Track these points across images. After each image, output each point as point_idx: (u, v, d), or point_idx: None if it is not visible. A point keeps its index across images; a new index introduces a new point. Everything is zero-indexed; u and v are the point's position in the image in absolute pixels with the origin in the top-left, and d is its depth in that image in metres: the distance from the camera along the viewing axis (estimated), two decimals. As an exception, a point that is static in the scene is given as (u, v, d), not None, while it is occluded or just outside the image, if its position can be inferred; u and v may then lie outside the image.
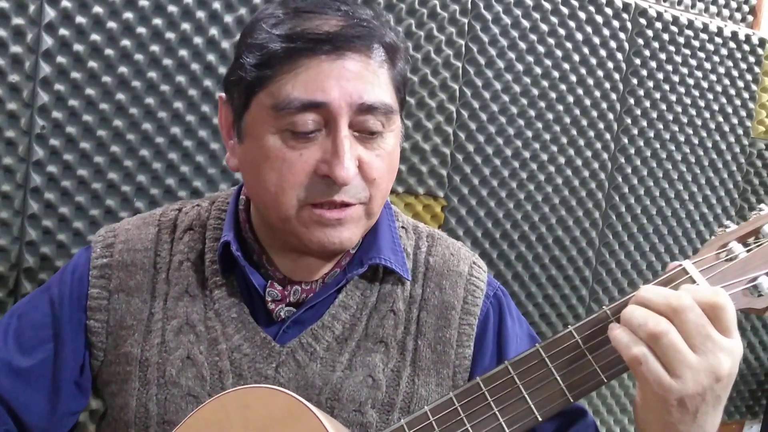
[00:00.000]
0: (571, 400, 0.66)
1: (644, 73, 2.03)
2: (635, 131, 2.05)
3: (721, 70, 2.15)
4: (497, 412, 0.67)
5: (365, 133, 0.75)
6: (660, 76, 2.05)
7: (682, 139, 2.13)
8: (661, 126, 2.09)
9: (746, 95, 2.20)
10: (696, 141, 2.16)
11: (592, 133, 2.00)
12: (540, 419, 0.66)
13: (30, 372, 0.83)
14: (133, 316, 0.84)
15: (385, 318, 0.85)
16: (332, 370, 0.81)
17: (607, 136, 2.02)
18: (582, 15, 1.91)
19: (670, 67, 2.06)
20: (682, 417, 0.61)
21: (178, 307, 0.84)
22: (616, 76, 1.98)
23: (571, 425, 0.85)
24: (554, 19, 1.87)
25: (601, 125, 2.00)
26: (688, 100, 2.12)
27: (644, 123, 2.07)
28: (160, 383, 0.81)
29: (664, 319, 0.59)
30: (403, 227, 0.91)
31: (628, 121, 2.04)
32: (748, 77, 2.19)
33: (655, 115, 2.07)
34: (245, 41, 0.77)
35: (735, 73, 2.16)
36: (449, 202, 1.82)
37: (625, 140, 2.04)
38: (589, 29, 1.93)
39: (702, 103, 2.14)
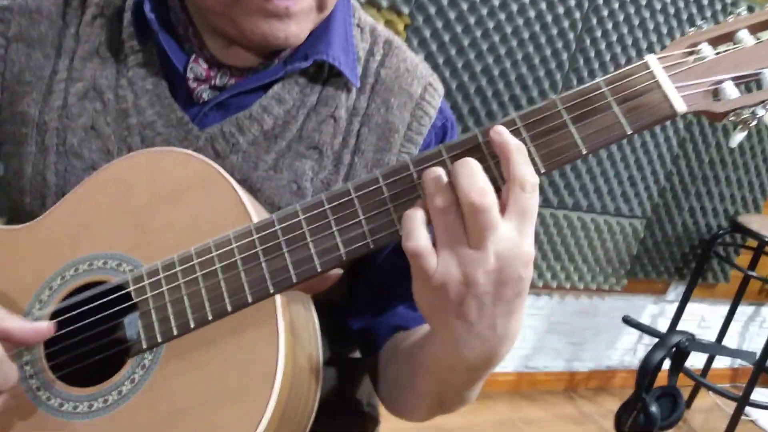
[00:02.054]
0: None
1: None
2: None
3: None
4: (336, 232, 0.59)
5: None
6: None
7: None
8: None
9: None
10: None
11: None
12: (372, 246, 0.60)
13: None
14: (32, 72, 0.74)
15: (324, 123, 0.76)
16: (254, 168, 0.74)
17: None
18: None
19: None
20: (452, 311, 0.55)
21: (86, 69, 0.74)
22: None
23: None
24: None
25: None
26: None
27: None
28: (59, 151, 0.73)
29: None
30: (359, 26, 0.81)
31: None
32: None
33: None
34: None
35: None
36: (413, 21, 1.71)
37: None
38: None
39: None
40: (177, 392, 0.59)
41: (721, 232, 2.61)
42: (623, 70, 0.57)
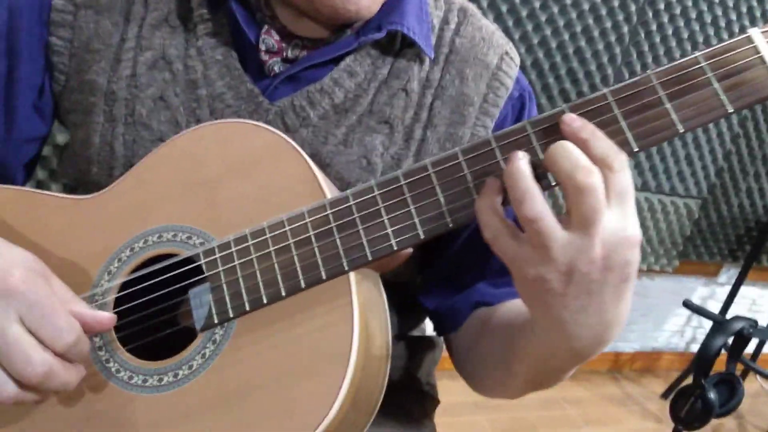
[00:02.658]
0: None
1: None
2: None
3: None
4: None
5: None
6: None
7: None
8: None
9: None
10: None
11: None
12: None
13: None
14: (101, 39, 0.72)
15: (396, 97, 0.74)
16: (324, 142, 0.72)
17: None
18: None
19: None
20: (556, 300, 0.52)
21: (155, 37, 0.72)
22: None
23: None
24: None
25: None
26: None
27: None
28: (128, 122, 0.72)
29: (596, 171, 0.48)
30: None
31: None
32: None
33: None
34: None
35: None
36: None
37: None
38: None
39: None
40: (248, 368, 0.58)
41: (778, 214, 2.53)
42: (723, 44, 0.54)
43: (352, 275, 0.58)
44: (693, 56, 0.54)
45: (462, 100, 0.75)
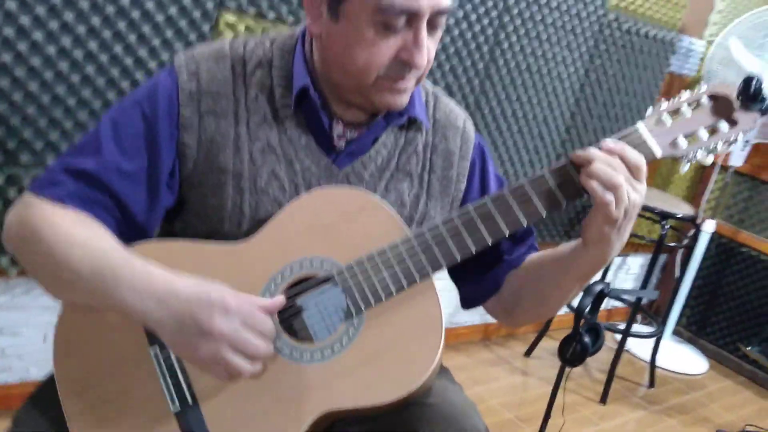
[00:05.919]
0: (538, 217, 0.99)
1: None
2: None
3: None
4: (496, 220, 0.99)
5: (432, 27, 0.98)
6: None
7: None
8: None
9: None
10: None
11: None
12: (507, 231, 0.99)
13: (133, 174, 1.00)
14: (222, 136, 1.03)
15: (411, 156, 1.12)
16: (374, 191, 1.08)
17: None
18: None
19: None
20: (614, 231, 0.97)
21: (260, 131, 1.04)
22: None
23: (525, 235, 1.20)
24: None
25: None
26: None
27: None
28: (251, 191, 1.03)
29: (621, 175, 0.94)
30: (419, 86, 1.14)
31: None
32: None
33: None
34: None
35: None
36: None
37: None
38: None
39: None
40: (380, 339, 0.96)
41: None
42: (621, 134, 0.99)
43: (433, 278, 0.98)
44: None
45: (448, 152, 1.15)
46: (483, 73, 2.44)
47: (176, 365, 0.96)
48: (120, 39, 1.68)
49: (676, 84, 3.28)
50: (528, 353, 3.17)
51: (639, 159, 0.96)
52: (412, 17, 0.95)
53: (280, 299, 0.95)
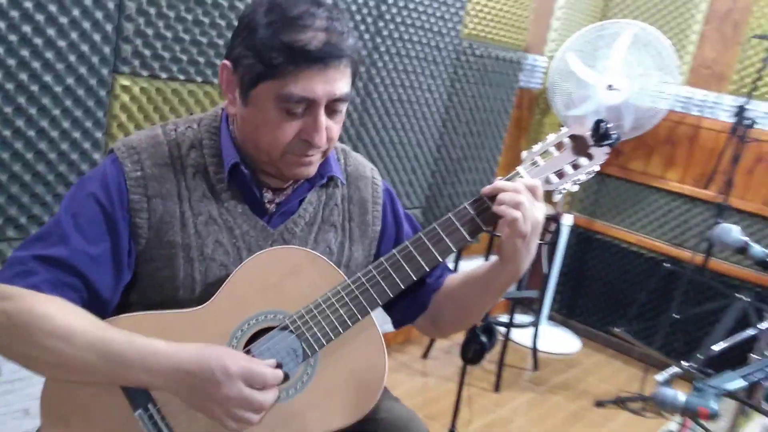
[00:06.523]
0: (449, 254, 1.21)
1: None
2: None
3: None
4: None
5: (332, 111, 1.15)
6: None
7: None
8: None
9: (458, 4, 2.88)
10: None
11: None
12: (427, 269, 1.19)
13: (99, 257, 1.11)
14: (169, 215, 1.15)
15: (333, 209, 1.30)
16: (305, 244, 1.25)
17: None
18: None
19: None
20: (524, 246, 1.19)
21: (201, 206, 1.17)
22: None
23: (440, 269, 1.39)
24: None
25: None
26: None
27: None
28: (200, 259, 1.16)
29: (523, 195, 1.16)
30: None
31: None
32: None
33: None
34: (249, 41, 1.08)
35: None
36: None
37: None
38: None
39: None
40: (335, 372, 1.13)
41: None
42: (509, 176, 1.23)
43: (372, 314, 1.16)
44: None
45: (362, 201, 1.34)
46: (360, 107, 2.65)
47: (161, 423, 1.08)
48: (21, 113, 1.74)
49: (525, 97, 3.66)
50: (425, 355, 3.42)
51: (535, 182, 1.19)
52: (311, 104, 1.11)
53: (271, 363, 1.11)
